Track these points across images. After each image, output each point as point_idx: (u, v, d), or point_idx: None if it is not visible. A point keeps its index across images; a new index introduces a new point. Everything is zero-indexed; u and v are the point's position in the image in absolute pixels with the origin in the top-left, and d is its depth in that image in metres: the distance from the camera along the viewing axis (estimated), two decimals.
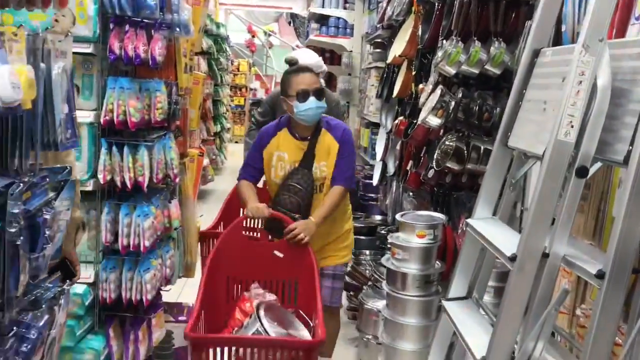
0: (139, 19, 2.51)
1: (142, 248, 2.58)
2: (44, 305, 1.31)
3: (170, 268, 2.99)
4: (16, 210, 1.11)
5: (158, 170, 2.67)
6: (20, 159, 1.19)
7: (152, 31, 2.55)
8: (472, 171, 3.07)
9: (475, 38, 2.94)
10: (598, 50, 1.42)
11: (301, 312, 2.60)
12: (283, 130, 2.90)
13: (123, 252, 2.60)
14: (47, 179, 1.28)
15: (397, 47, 4.41)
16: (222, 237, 2.78)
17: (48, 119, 1.30)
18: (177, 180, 2.96)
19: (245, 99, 14.31)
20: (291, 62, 3.09)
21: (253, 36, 14.95)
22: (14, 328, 1.19)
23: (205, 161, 6.87)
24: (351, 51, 6.60)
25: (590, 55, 1.42)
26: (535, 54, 1.75)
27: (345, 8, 6.77)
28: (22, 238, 1.13)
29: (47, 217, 1.23)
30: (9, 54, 1.09)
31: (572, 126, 1.42)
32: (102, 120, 2.48)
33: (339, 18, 6.71)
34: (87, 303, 2.59)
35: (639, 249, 1.30)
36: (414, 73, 3.96)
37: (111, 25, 2.47)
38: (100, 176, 2.52)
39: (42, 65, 1.25)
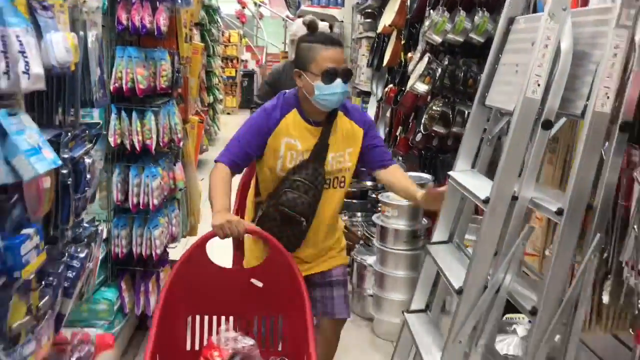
0: None
1: (151, 206, 2.78)
2: (84, 240, 1.53)
3: (176, 226, 3.20)
4: (66, 156, 1.32)
5: (164, 134, 2.86)
6: (64, 114, 1.39)
7: (157, 3, 2.71)
8: (457, 134, 3.27)
9: (461, 8, 3.11)
10: (562, 18, 1.61)
11: None
12: (292, 112, 2.24)
13: (133, 210, 2.80)
14: (86, 132, 1.49)
15: (387, 17, 4.56)
16: (179, 261, 2.00)
17: (85, 80, 1.49)
18: (181, 144, 3.15)
19: (236, 70, 14.37)
20: (311, 26, 2.56)
21: (243, 7, 14.95)
22: (64, 256, 1.41)
23: None
24: (342, 21, 6.71)
25: (555, 23, 1.61)
26: (510, 21, 1.94)
27: None
28: (70, 179, 1.33)
29: (87, 163, 1.44)
30: (58, 23, 1.27)
31: (538, 85, 1.62)
32: (111, 88, 2.66)
33: None
34: (100, 258, 2.80)
35: (591, 189, 1.51)
36: (403, 42, 4.13)
37: None
38: (111, 139, 2.70)
39: (81, 33, 1.44)
